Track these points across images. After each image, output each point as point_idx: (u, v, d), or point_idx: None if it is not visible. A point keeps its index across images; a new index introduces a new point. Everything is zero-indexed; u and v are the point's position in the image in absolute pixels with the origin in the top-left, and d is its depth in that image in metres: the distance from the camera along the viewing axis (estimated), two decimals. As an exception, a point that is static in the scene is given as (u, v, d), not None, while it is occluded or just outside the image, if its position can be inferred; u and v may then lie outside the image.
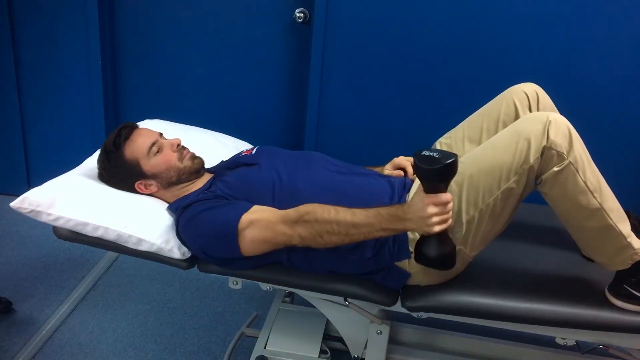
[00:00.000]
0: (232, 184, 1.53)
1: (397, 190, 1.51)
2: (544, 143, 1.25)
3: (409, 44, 2.27)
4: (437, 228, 1.19)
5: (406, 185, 1.55)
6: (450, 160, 1.14)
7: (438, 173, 1.15)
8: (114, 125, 1.65)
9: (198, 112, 2.61)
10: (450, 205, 1.20)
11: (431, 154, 1.16)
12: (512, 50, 2.20)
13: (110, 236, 1.49)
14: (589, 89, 2.21)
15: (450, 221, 1.21)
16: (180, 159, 1.59)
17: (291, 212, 1.34)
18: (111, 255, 2.40)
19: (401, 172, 1.64)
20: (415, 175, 1.48)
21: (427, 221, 1.19)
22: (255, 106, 2.58)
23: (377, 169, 1.68)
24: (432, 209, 1.18)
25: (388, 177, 1.59)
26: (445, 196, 1.19)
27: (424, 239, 1.24)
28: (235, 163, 1.67)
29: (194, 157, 1.63)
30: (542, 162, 1.27)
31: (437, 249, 1.21)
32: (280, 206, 1.41)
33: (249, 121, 2.59)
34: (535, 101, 1.57)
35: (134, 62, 2.61)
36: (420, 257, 1.24)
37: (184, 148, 1.62)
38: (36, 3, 2.50)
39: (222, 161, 1.77)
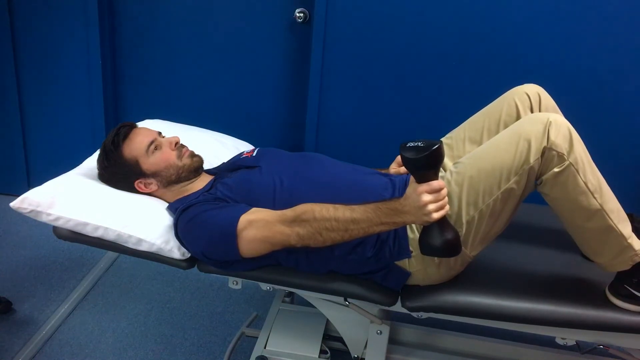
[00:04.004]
0: (232, 187, 1.53)
1: (398, 188, 1.51)
2: (545, 144, 1.25)
3: (409, 44, 2.27)
4: (436, 215, 1.19)
5: (407, 183, 1.54)
6: (436, 147, 1.14)
7: (425, 161, 1.16)
8: (114, 125, 1.65)
9: (198, 112, 2.61)
10: (444, 191, 1.20)
11: (416, 144, 1.17)
12: (515, 51, 2.20)
13: (110, 236, 1.49)
14: (591, 90, 2.20)
15: (447, 207, 1.21)
16: (179, 156, 1.59)
17: (288, 212, 1.34)
18: (111, 255, 2.40)
19: None
20: None
21: (423, 210, 1.19)
22: (256, 106, 2.58)
23: (383, 172, 1.67)
24: (426, 197, 1.18)
25: (389, 176, 1.59)
26: (437, 183, 1.19)
27: (426, 229, 1.23)
28: (236, 165, 1.67)
29: (193, 155, 1.63)
30: (543, 163, 1.27)
31: (440, 236, 1.21)
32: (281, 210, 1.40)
33: (249, 121, 2.59)
34: (537, 102, 1.57)
35: (134, 62, 2.61)
36: (425, 248, 1.24)
37: (182, 146, 1.62)
38: (36, 3, 2.50)
39: (223, 163, 1.77)
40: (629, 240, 1.30)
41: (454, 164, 1.42)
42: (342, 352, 1.79)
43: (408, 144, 1.18)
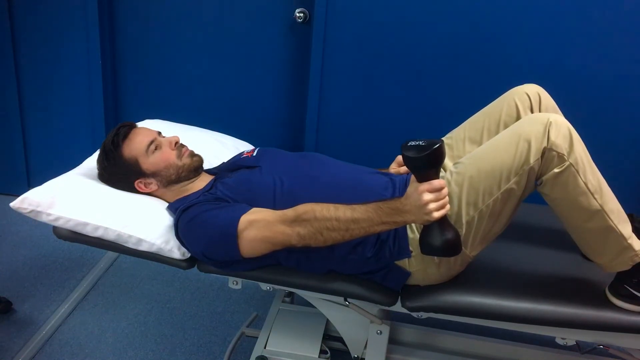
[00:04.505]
0: (232, 187, 1.53)
1: (398, 188, 1.51)
2: (545, 144, 1.25)
3: (410, 44, 2.27)
4: (436, 214, 1.19)
5: (407, 183, 1.54)
6: (437, 146, 1.15)
7: (427, 159, 1.16)
8: (114, 125, 1.65)
9: (198, 112, 2.61)
10: (445, 190, 1.20)
11: (417, 142, 1.18)
12: (515, 51, 2.20)
13: (110, 236, 1.49)
14: (591, 91, 2.20)
15: (448, 206, 1.22)
16: (179, 156, 1.59)
17: (289, 212, 1.34)
18: (111, 255, 2.40)
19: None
20: None
21: (424, 209, 1.19)
22: (256, 106, 2.58)
23: (383, 171, 1.67)
24: (427, 196, 1.18)
25: (390, 175, 1.59)
26: (439, 182, 1.19)
27: (426, 228, 1.24)
28: (236, 165, 1.67)
29: (192, 154, 1.63)
30: (543, 163, 1.27)
31: (441, 236, 1.21)
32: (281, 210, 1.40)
33: (249, 121, 2.59)
34: (537, 102, 1.57)
35: (134, 62, 2.60)
36: (426, 247, 1.24)
37: (182, 146, 1.62)
38: (36, 3, 2.50)
39: (223, 163, 1.77)
40: (629, 241, 1.30)
41: (454, 164, 1.42)
42: (342, 352, 1.79)
43: (409, 143, 1.18)
